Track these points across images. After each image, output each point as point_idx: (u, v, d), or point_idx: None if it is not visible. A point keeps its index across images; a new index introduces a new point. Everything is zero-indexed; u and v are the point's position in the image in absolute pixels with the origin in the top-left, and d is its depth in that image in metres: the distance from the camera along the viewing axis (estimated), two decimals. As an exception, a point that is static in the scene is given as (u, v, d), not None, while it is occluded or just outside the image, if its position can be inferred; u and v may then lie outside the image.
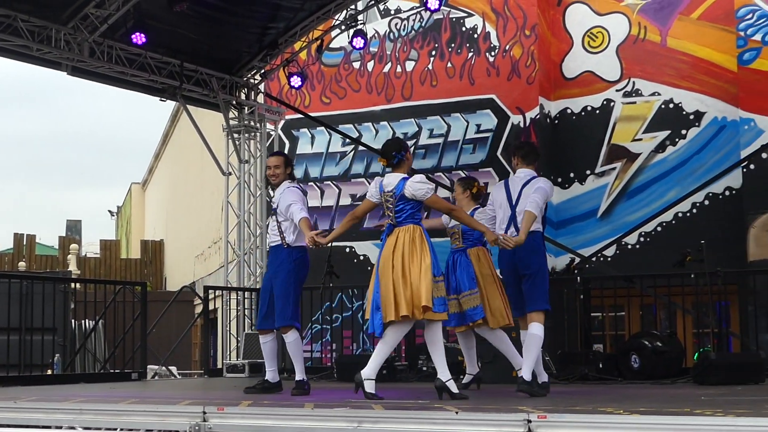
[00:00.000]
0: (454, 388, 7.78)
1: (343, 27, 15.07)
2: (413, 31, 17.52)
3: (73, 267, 27.90)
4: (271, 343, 9.22)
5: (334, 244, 10.00)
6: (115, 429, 6.86)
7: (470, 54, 16.94)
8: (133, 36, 12.85)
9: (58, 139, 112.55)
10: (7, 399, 7.90)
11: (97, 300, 14.33)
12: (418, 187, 7.99)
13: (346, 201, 17.36)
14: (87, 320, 15.62)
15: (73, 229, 42.74)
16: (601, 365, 11.29)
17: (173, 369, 15.64)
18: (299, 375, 9.02)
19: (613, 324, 14.44)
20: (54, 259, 31.31)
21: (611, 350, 13.80)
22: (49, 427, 7.04)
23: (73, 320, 16.15)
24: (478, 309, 9.30)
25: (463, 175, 16.28)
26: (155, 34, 13.16)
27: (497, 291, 9.39)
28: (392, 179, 8.10)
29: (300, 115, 17.27)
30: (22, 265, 28.56)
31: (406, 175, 8.11)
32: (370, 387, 7.76)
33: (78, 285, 16.38)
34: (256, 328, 9.57)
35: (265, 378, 9.29)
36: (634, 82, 16.02)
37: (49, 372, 13.53)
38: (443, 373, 7.80)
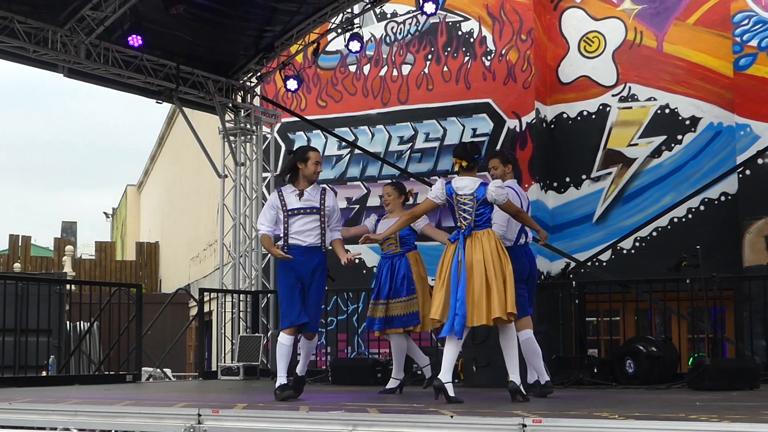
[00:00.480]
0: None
1: (339, 30, 15.09)
2: (409, 35, 17.52)
3: (68, 268, 27.89)
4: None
5: (329, 247, 10.03)
6: (110, 431, 6.86)
7: (466, 58, 16.95)
8: (130, 38, 12.86)
9: (53, 140, 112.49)
10: (2, 400, 7.90)
11: (92, 302, 14.31)
12: (500, 192, 8.28)
13: (341, 204, 17.33)
14: (82, 322, 15.62)
15: (69, 230, 42.71)
16: (595, 370, 11.29)
17: (168, 371, 15.65)
18: (302, 372, 8.86)
19: (608, 329, 14.45)
20: (49, 261, 31.27)
21: (606, 355, 13.81)
22: (43, 429, 7.04)
23: (68, 322, 16.13)
24: (414, 315, 9.49)
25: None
26: (151, 36, 13.17)
27: (429, 294, 9.50)
28: (468, 182, 8.30)
29: (296, 118, 17.27)
30: (17, 266, 28.54)
31: (482, 180, 8.35)
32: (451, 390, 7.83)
33: (73, 286, 16.35)
34: (295, 324, 8.56)
35: (283, 383, 8.57)
36: (630, 87, 16.03)
37: (44, 373, 13.51)
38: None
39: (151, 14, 13.07)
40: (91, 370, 15.27)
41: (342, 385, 11.69)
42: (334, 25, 15.07)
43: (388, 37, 17.62)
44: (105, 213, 48.20)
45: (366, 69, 17.77)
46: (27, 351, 11.87)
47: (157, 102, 14.62)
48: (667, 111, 15.72)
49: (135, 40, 12.87)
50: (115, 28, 12.96)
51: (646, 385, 10.73)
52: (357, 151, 17.38)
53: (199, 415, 6.59)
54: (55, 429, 7.01)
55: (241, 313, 14.83)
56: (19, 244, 30.98)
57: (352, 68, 17.87)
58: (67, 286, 15.60)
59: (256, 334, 13.98)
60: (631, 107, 16.03)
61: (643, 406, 7.37)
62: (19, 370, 11.93)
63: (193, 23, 13.60)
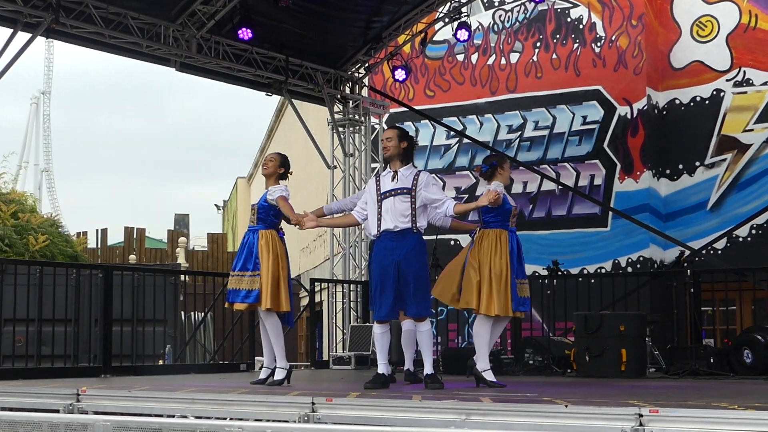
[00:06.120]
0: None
1: (446, 19, 15.04)
2: (517, 23, 17.41)
3: (181, 260, 28.35)
4: (388, 333, 8.62)
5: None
6: (225, 418, 6.95)
7: (576, 45, 16.77)
8: (240, 32, 13.00)
9: (165, 135, 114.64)
10: (122, 388, 8.07)
11: (205, 292, 14.52)
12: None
13: (450, 194, 17.31)
14: (196, 312, 15.85)
15: (181, 222, 43.48)
16: (712, 360, 11.07)
17: (280, 361, 15.76)
18: (430, 369, 8.50)
19: (724, 318, 14.16)
20: (163, 252, 31.84)
21: (722, 345, 13.55)
22: (162, 416, 7.15)
23: (182, 312, 16.40)
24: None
25: (569, 167, 16.20)
26: (261, 29, 13.30)
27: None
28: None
29: (404, 108, 17.29)
30: (132, 257, 29.12)
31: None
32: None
33: (187, 277, 16.63)
34: (381, 318, 8.49)
35: (381, 372, 8.51)
36: (744, 72, 15.69)
37: (161, 362, 13.75)
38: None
39: (260, 7, 13.21)
40: (206, 359, 15.51)
41: (453, 375, 11.66)
42: (441, 15, 15.03)
43: (495, 26, 17.52)
44: (216, 205, 48.96)
45: (474, 58, 17.71)
46: (144, 340, 12.12)
47: (267, 94, 14.76)
48: (783, 95, 15.36)
49: (245, 34, 13.00)
50: (226, 21, 13.12)
51: (765, 375, 10.49)
52: (465, 140, 17.33)
53: (313, 403, 6.64)
54: (173, 416, 7.12)
55: (351, 303, 14.91)
56: (134, 237, 31.62)
57: (460, 57, 17.83)
58: (181, 277, 15.85)
59: (367, 324, 14.03)
60: (746, 92, 15.70)
61: (764, 396, 7.19)
62: (136, 359, 12.17)
63: (301, 15, 13.70)
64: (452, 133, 17.45)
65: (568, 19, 16.88)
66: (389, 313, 8.44)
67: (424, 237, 8.43)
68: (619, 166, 16.20)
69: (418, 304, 8.38)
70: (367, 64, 15.50)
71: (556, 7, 16.97)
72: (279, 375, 8.92)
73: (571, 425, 5.75)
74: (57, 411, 7.51)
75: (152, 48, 12.85)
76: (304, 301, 19.67)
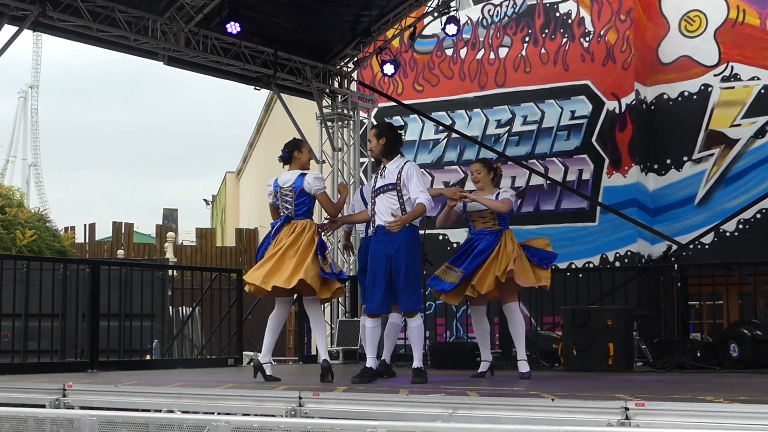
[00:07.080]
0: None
1: (435, 14, 15.04)
2: (506, 18, 17.41)
3: (170, 255, 28.27)
4: (379, 328, 8.62)
5: (428, 231, 10.04)
6: (213, 413, 6.95)
7: (564, 40, 16.78)
8: (228, 25, 12.97)
9: (153, 130, 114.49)
10: (109, 383, 8.07)
11: (193, 287, 14.50)
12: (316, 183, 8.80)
13: (438, 188, 17.29)
14: (184, 307, 15.83)
15: (170, 217, 43.40)
16: (698, 354, 11.11)
17: (268, 355, 15.75)
18: (418, 363, 8.57)
19: (711, 312, 14.21)
20: (151, 247, 31.75)
21: (709, 339, 13.58)
22: (148, 410, 7.15)
23: (170, 307, 16.38)
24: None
25: (557, 162, 16.20)
26: (249, 23, 13.28)
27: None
28: (289, 176, 9.05)
29: (393, 103, 17.29)
30: (120, 252, 29.03)
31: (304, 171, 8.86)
32: None
33: (175, 272, 16.61)
34: (372, 312, 8.46)
35: (369, 366, 8.46)
36: (732, 67, 15.71)
37: (148, 357, 13.73)
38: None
39: (248, 1, 13.20)
40: (194, 354, 15.48)
41: (441, 369, 11.68)
42: (430, 9, 15.02)
43: (484, 20, 17.53)
44: (205, 200, 48.84)
45: (463, 52, 17.70)
46: (131, 335, 12.09)
47: (255, 88, 14.73)
48: (771, 90, 15.38)
49: (233, 27, 12.98)
50: (214, 15, 13.10)
51: (751, 369, 10.52)
52: (454, 135, 17.33)
53: (300, 398, 6.65)
54: (160, 411, 7.12)
55: (339, 297, 14.87)
56: (122, 231, 31.51)
57: (449, 52, 17.83)
58: (170, 272, 15.83)
59: (355, 319, 14.02)
60: (733, 87, 15.72)
61: (749, 389, 7.23)
62: (124, 354, 12.15)
63: (290, 9, 13.69)
64: (441, 127, 17.45)
65: (557, 14, 16.88)
66: (380, 306, 8.45)
67: None
68: (607, 160, 16.23)
69: (408, 299, 8.38)
70: (355, 59, 15.50)
71: (544, 1, 16.98)
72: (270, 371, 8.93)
73: (558, 419, 5.76)
74: (43, 406, 7.51)
75: (140, 42, 12.83)
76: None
